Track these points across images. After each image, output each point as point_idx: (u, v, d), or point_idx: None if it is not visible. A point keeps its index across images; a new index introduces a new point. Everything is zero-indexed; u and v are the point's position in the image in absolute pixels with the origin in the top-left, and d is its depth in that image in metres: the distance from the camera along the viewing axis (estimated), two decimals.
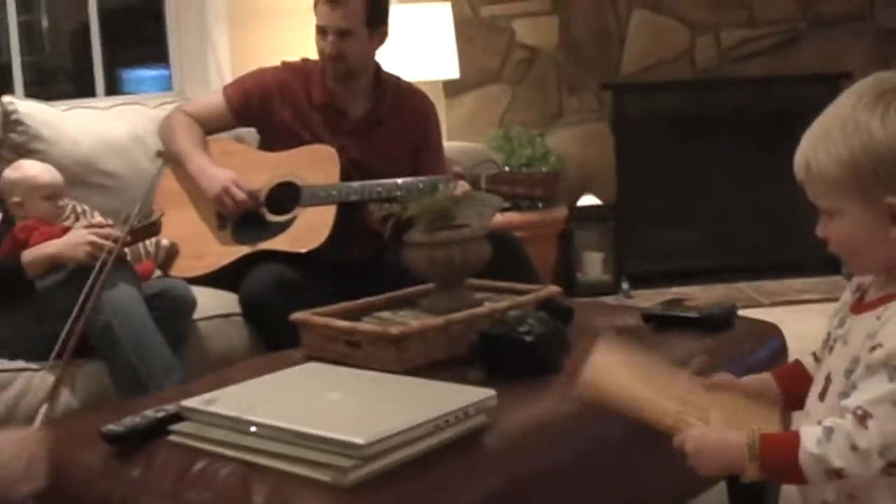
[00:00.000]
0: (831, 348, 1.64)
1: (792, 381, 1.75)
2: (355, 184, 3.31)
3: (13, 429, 1.83)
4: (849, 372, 1.54)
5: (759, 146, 5.51)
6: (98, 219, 3.15)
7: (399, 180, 3.28)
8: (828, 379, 1.60)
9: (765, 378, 1.80)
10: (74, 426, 2.30)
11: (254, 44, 4.49)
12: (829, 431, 1.48)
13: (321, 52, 3.43)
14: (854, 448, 1.45)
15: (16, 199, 3.09)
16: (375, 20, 3.43)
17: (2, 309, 2.88)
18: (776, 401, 1.76)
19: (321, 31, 3.40)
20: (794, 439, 1.51)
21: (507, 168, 4.68)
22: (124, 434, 2.04)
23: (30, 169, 3.16)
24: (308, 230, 3.28)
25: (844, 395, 1.51)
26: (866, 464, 1.46)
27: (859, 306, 1.61)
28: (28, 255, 2.87)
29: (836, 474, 1.47)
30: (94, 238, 2.86)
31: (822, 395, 1.61)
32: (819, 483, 1.51)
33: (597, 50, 5.49)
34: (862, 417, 1.46)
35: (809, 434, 1.49)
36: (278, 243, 3.28)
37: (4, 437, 1.85)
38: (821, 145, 1.53)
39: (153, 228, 3.06)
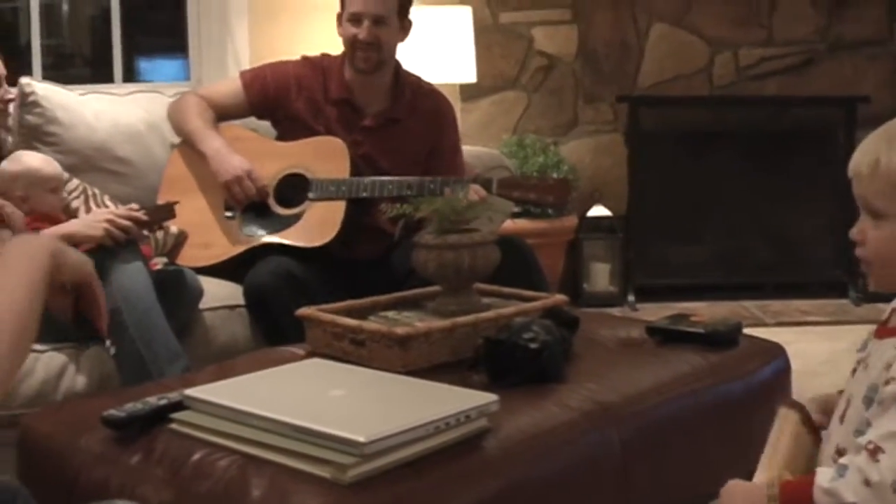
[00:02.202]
0: (854, 370, 1.63)
1: None
2: (366, 179, 3.30)
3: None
4: (867, 399, 1.53)
5: (772, 165, 5.51)
6: (110, 204, 3.15)
7: (410, 178, 3.27)
8: (848, 402, 1.60)
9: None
10: (76, 410, 2.30)
11: (273, 37, 4.50)
12: (842, 468, 1.48)
13: (352, 39, 3.39)
14: (867, 483, 1.45)
15: (19, 193, 3.02)
16: (404, 11, 3.46)
17: None
18: None
19: (354, 19, 3.37)
20: (810, 478, 1.51)
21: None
22: (125, 420, 2.05)
23: (32, 161, 3.09)
24: (318, 225, 3.27)
25: (860, 432, 1.51)
26: (880, 498, 1.45)
27: (882, 330, 1.60)
28: (46, 233, 2.86)
29: None
30: (112, 216, 2.86)
31: (842, 418, 1.61)
32: None
33: (615, 61, 5.49)
34: (873, 451, 1.46)
35: (824, 472, 1.50)
36: (288, 237, 3.28)
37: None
38: None
39: (169, 212, 3.06)
